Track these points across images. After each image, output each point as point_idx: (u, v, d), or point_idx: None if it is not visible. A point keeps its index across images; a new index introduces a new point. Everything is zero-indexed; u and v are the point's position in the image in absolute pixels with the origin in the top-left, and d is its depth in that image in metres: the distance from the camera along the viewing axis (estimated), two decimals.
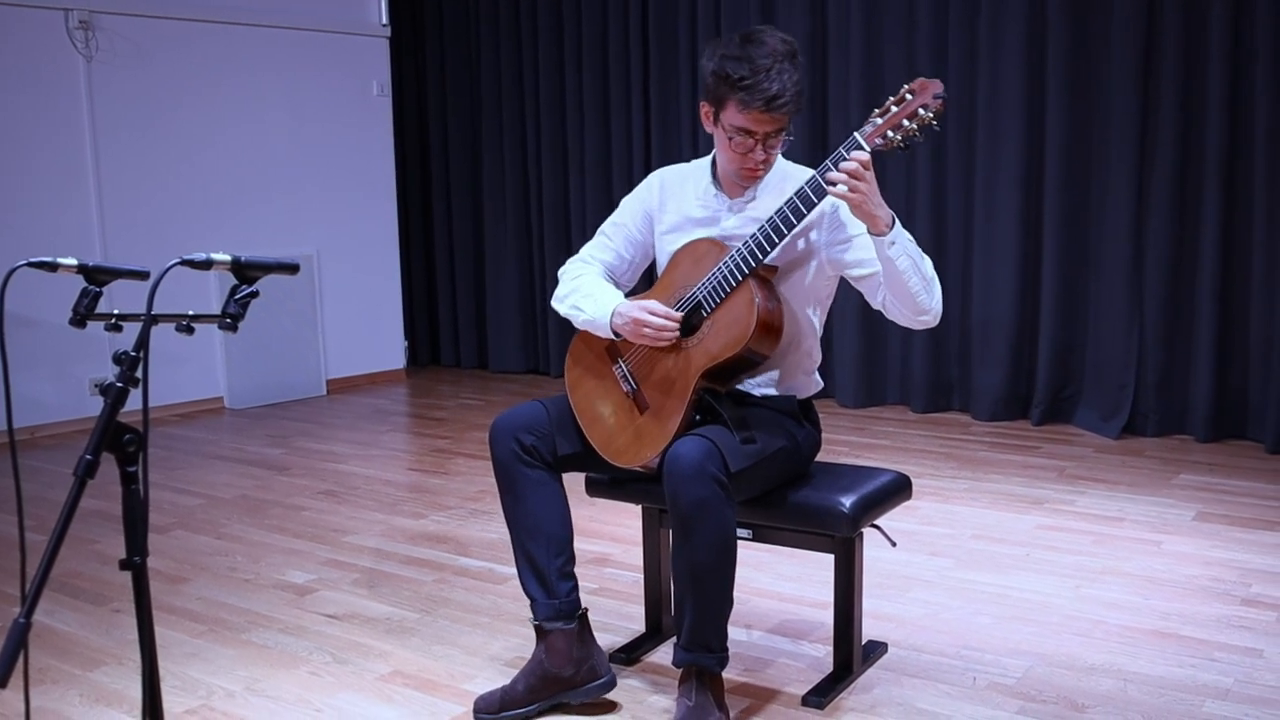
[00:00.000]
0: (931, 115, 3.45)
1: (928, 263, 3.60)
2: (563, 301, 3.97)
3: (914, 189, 8.36)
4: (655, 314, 3.66)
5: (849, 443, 7.56)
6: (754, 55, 3.56)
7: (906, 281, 3.55)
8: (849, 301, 8.30)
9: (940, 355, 8.48)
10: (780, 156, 3.88)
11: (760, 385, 3.88)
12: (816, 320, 3.90)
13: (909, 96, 3.48)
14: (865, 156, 3.40)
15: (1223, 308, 7.29)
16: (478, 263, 10.93)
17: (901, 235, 3.51)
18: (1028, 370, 8.15)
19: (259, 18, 9.35)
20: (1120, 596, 4.81)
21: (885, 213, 3.47)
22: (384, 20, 10.27)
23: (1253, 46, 7.01)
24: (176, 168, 8.96)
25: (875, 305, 3.74)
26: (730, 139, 3.67)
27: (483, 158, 10.67)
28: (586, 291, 3.89)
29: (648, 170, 8.91)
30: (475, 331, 11.05)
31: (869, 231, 3.52)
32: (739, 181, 3.82)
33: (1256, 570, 5.09)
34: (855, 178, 3.37)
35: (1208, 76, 7.17)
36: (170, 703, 3.94)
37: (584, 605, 3.90)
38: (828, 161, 3.45)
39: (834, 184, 3.40)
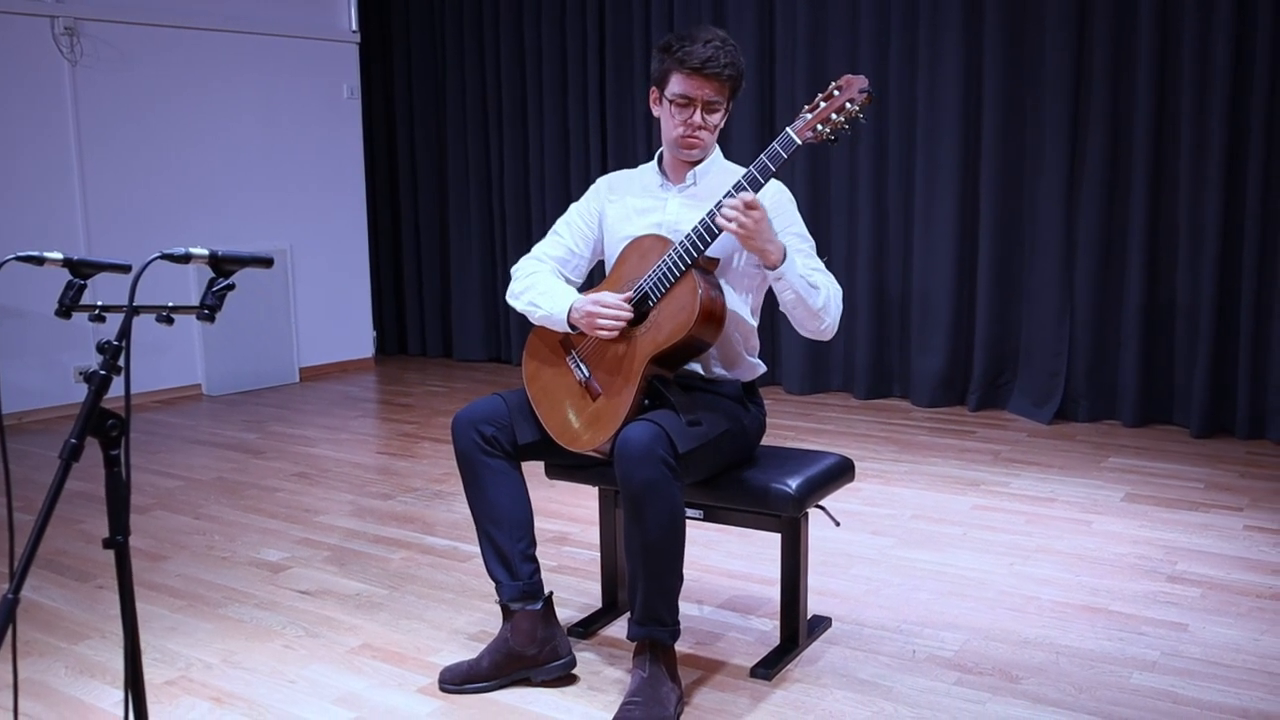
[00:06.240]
0: (858, 109, 3.51)
1: (820, 295, 3.65)
2: (518, 298, 3.98)
3: (855, 188, 8.38)
4: (607, 305, 3.68)
5: (795, 427, 7.58)
6: (695, 34, 3.72)
7: (793, 309, 3.67)
8: None
9: (882, 344, 8.52)
10: (721, 155, 3.97)
11: (706, 368, 3.90)
12: (752, 306, 3.94)
13: (836, 92, 3.54)
14: (750, 197, 3.46)
15: (1150, 300, 7.35)
16: (443, 257, 10.91)
17: (790, 272, 3.57)
18: (964, 359, 8.19)
19: (235, 24, 9.31)
20: (1052, 573, 4.85)
21: (776, 247, 3.54)
22: (353, 27, 10.23)
23: (1179, 45, 7.07)
24: (157, 166, 8.92)
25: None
26: (672, 105, 3.76)
27: (447, 157, 10.64)
28: (542, 289, 3.91)
29: (604, 169, 8.94)
30: (440, 322, 11.02)
31: (761, 263, 3.60)
32: (681, 154, 3.86)
33: (1182, 549, 5.13)
34: (743, 212, 3.44)
35: (1136, 75, 7.22)
36: (151, 674, 3.93)
37: (549, 589, 3.93)
38: (762, 156, 3.51)
39: (727, 219, 3.47)
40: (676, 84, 3.71)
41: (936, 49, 7.91)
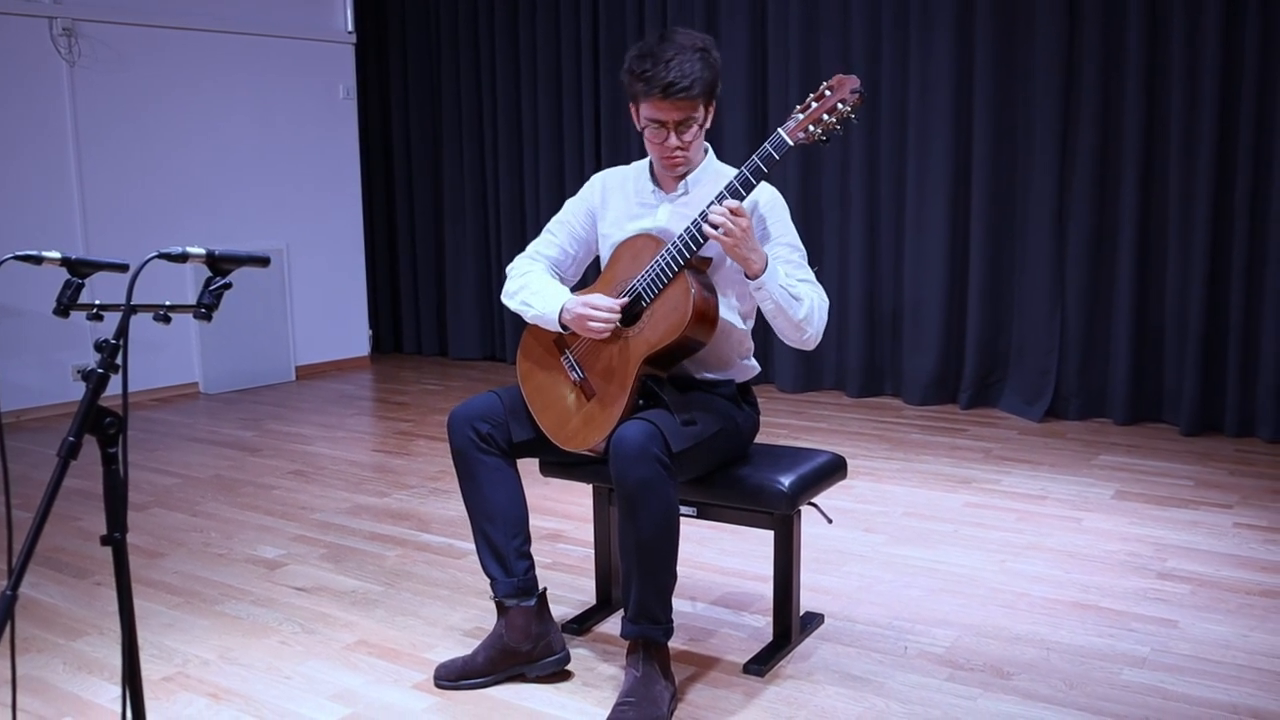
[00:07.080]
0: (849, 109, 3.46)
1: (802, 306, 3.63)
2: (512, 298, 3.96)
3: (847, 187, 8.38)
4: (598, 308, 3.67)
5: (788, 425, 7.59)
6: (659, 51, 3.60)
7: (773, 319, 3.66)
8: None
9: (874, 343, 8.52)
10: (713, 156, 3.93)
11: (700, 371, 3.90)
12: (744, 311, 3.92)
13: (828, 93, 3.49)
14: (735, 204, 3.44)
15: (1139, 299, 7.36)
16: (438, 256, 10.91)
17: (770, 283, 3.56)
18: (956, 357, 8.19)
19: (232, 25, 9.30)
20: (1043, 570, 4.85)
21: (759, 257, 3.53)
22: (349, 28, 10.23)
23: (1168, 44, 7.08)
24: (154, 166, 8.91)
25: None
26: (646, 129, 3.71)
27: (442, 157, 10.64)
28: (535, 289, 3.89)
29: (597, 169, 8.91)
30: (435, 320, 11.03)
31: (744, 273, 3.60)
32: (667, 172, 3.84)
33: (1171, 546, 5.13)
34: (729, 219, 3.43)
35: (1126, 75, 7.23)
36: (148, 670, 3.93)
37: (543, 585, 3.92)
38: (754, 157, 3.49)
39: (714, 226, 3.45)
40: (645, 109, 3.66)
41: (927, 49, 7.91)
